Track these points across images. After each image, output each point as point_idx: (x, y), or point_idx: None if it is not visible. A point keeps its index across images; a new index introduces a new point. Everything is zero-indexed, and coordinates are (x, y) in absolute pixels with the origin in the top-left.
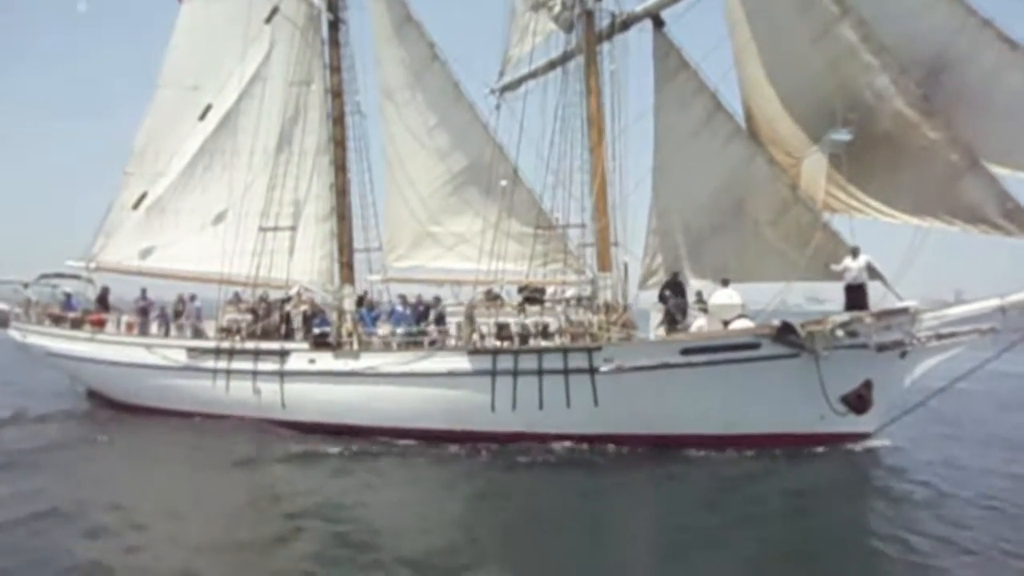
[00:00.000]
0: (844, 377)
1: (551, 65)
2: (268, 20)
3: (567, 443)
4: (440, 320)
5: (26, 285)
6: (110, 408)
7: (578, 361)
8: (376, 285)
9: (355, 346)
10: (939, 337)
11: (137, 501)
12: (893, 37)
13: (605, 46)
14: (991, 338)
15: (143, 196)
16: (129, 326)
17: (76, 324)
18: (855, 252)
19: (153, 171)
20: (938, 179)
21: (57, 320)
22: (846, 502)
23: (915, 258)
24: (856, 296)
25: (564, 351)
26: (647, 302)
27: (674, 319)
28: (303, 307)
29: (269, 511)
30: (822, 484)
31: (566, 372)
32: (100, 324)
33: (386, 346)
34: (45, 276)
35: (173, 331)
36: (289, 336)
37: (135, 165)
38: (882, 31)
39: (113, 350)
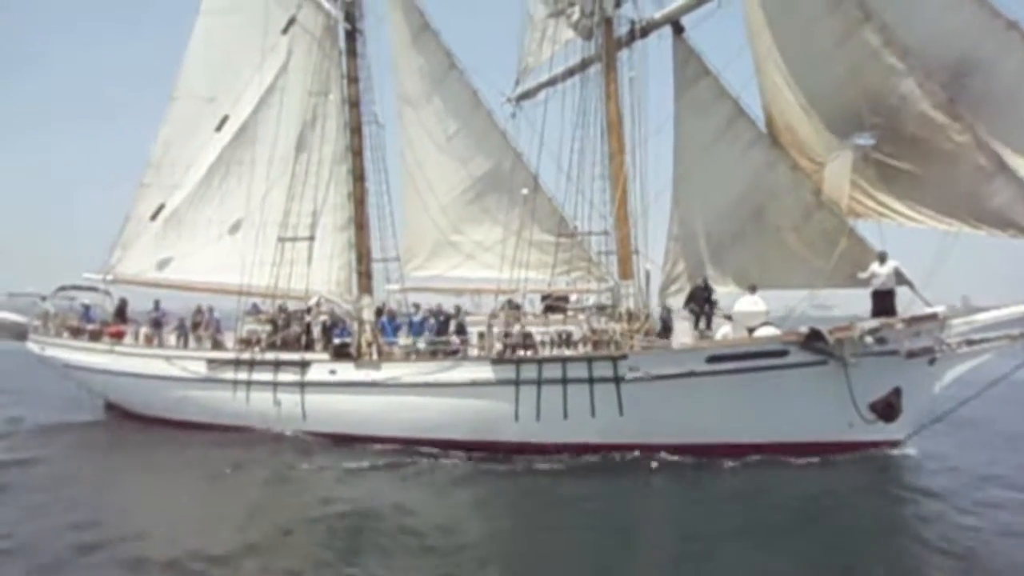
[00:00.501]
0: (873, 384)
1: (569, 73)
2: (285, 31)
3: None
4: (461, 330)
5: (44, 298)
6: (128, 420)
7: (603, 370)
8: (394, 295)
9: (375, 356)
10: (969, 343)
11: (155, 514)
12: (917, 40)
13: (624, 53)
14: (1022, 344)
15: (161, 207)
16: (148, 338)
17: (95, 336)
18: (882, 257)
19: (170, 182)
20: (965, 183)
21: (75, 332)
22: (874, 512)
23: (943, 263)
24: (884, 302)
25: (589, 360)
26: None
27: (706, 321)
28: (322, 317)
29: (294, 522)
30: (850, 493)
31: (591, 381)
32: (119, 336)
33: (407, 356)
34: (63, 288)
35: (192, 342)
36: (309, 347)
37: (152, 176)
38: (906, 35)
39: (132, 362)
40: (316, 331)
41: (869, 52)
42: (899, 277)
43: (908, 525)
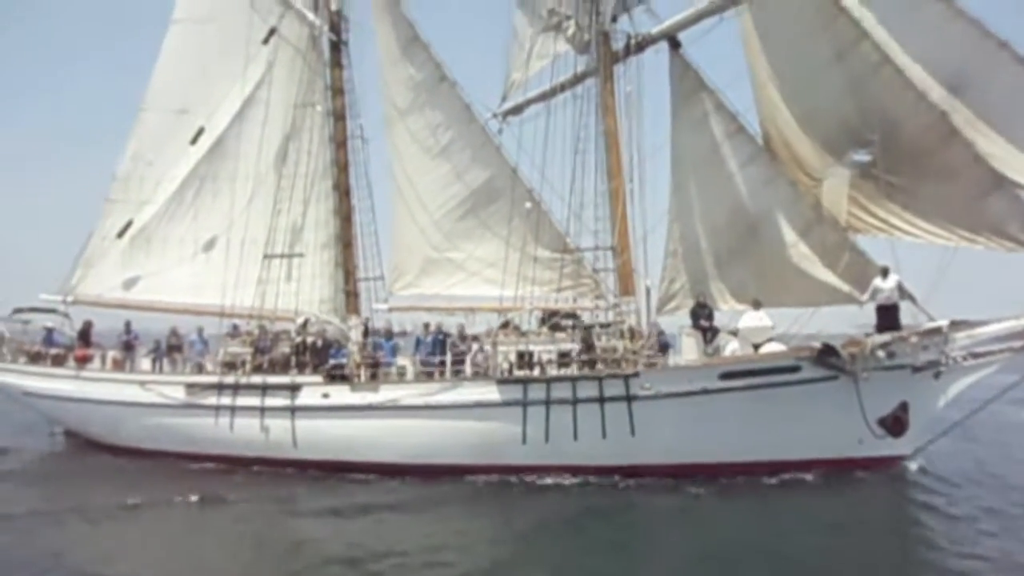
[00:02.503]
0: (881, 399)
1: (560, 88)
2: (266, 41)
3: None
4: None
5: None
6: (94, 451)
7: (614, 389)
8: (381, 314)
9: (361, 378)
10: (973, 356)
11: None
12: (911, 58)
13: (620, 68)
14: None
15: (128, 224)
16: (116, 362)
17: (58, 361)
18: (885, 272)
19: (138, 198)
20: (962, 197)
21: (35, 357)
22: (887, 529)
23: (944, 277)
24: (889, 317)
25: (599, 379)
26: (666, 327)
27: (712, 339)
28: (309, 338)
29: (283, 564)
30: (864, 511)
31: (601, 400)
32: (85, 360)
33: (401, 377)
34: (18, 311)
35: (167, 366)
36: (300, 369)
37: (119, 192)
38: (900, 52)
39: (101, 388)
40: (307, 353)
41: (866, 68)
42: (902, 291)
43: (923, 542)
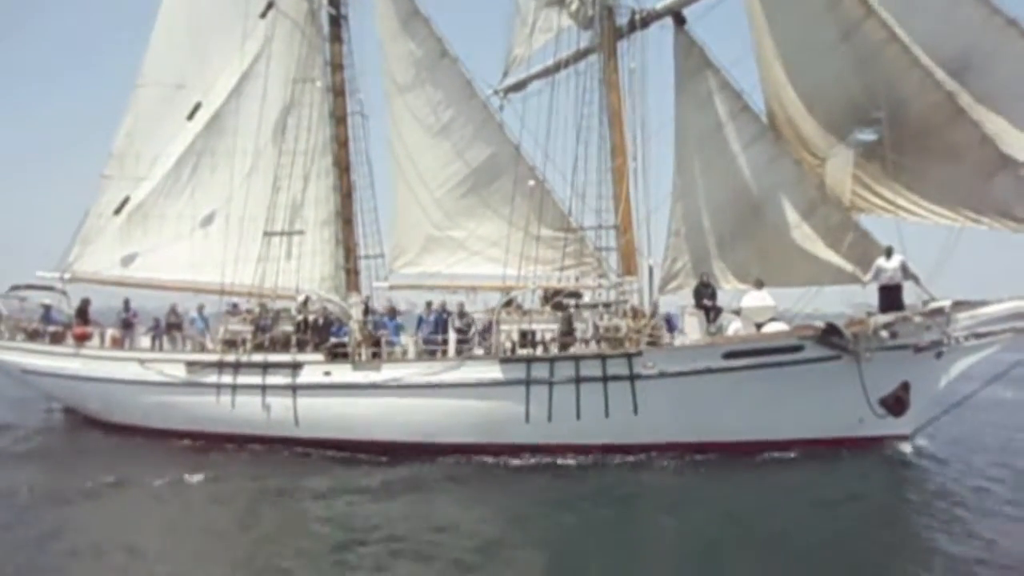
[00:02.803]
0: (883, 379)
1: (563, 64)
2: (263, 15)
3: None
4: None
5: None
6: (92, 427)
7: (617, 368)
8: (381, 292)
9: (362, 357)
10: (975, 336)
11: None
12: (918, 36)
13: (624, 44)
14: None
15: (125, 200)
16: (115, 340)
17: (56, 339)
18: (889, 252)
19: (135, 174)
20: (967, 177)
21: (33, 335)
22: (885, 508)
23: (949, 257)
24: (892, 297)
25: (603, 358)
26: (668, 306)
27: (715, 318)
28: (312, 316)
29: (290, 540)
30: (863, 490)
31: (604, 379)
32: (84, 338)
33: (403, 355)
34: (15, 288)
35: (166, 344)
36: (301, 347)
37: (114, 168)
38: (906, 30)
39: (100, 366)
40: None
41: (873, 47)
42: (905, 272)
43: (915, 519)
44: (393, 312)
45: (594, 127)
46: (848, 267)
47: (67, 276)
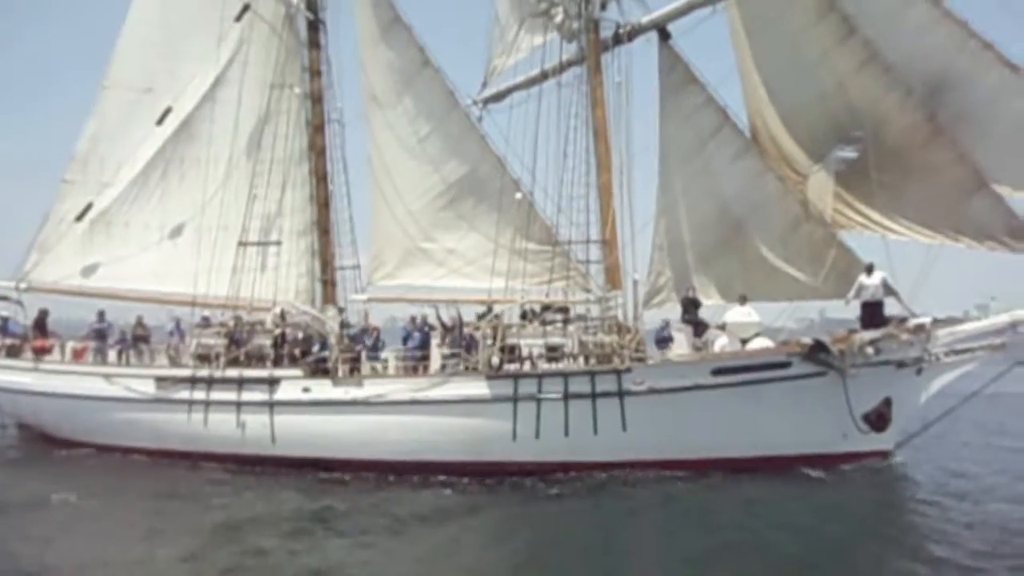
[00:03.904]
0: (866, 395)
1: (545, 75)
2: (238, 18)
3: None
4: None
5: None
6: (50, 445)
7: (606, 384)
8: (357, 305)
9: (340, 373)
10: (954, 353)
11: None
12: (897, 57)
13: (608, 57)
14: (1004, 353)
15: (88, 207)
16: (76, 353)
17: (13, 352)
18: (870, 269)
19: (98, 180)
20: (945, 196)
21: None
22: (870, 522)
23: (928, 274)
24: (873, 314)
25: (591, 374)
26: (652, 322)
27: (701, 333)
28: (288, 330)
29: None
30: (848, 505)
31: (593, 396)
32: (44, 351)
33: (384, 371)
34: None
35: (133, 358)
36: (277, 362)
37: (76, 173)
38: (886, 51)
39: (62, 381)
40: (286, 346)
41: (854, 66)
42: (887, 289)
43: (906, 535)
44: (371, 330)
45: (579, 141)
46: (830, 283)
47: (23, 285)
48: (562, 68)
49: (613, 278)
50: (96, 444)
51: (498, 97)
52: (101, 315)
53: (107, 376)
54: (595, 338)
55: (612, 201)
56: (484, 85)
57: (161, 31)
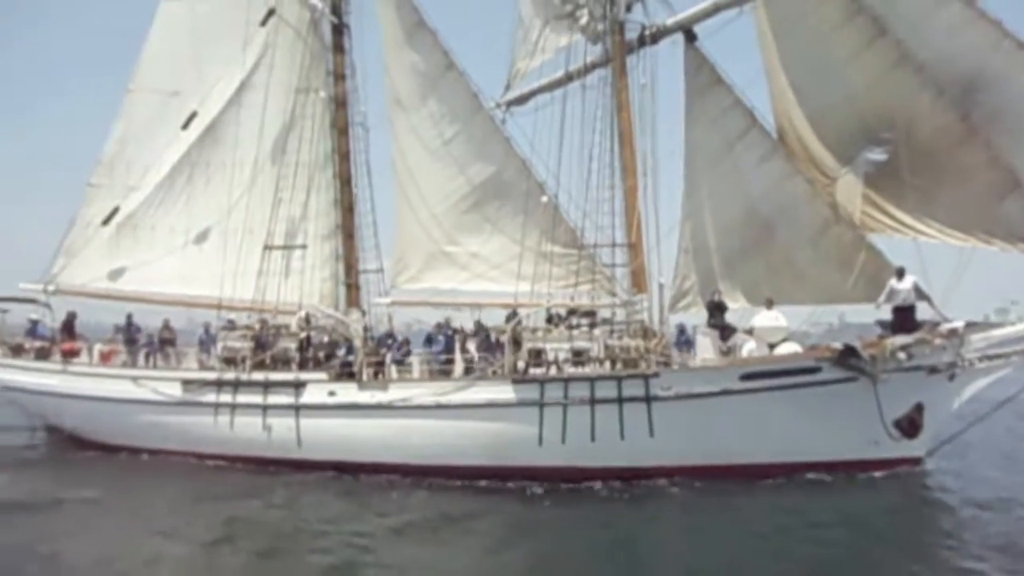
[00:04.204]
0: (897, 401)
1: (569, 77)
2: (263, 23)
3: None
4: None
5: None
6: (78, 447)
7: (633, 389)
8: (381, 308)
9: (364, 376)
10: (987, 358)
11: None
12: (929, 57)
13: (633, 59)
14: None
15: (115, 211)
16: (104, 356)
17: (42, 354)
18: (901, 273)
19: (125, 184)
20: (978, 198)
21: (16, 350)
22: (905, 530)
23: (961, 278)
24: (905, 318)
25: (618, 379)
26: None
27: (728, 337)
28: (313, 333)
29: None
30: (879, 513)
31: (620, 401)
32: (72, 354)
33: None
34: None
35: (160, 361)
36: (303, 365)
37: (103, 176)
38: (917, 51)
39: (91, 383)
40: (310, 349)
41: (884, 66)
42: (918, 293)
43: (936, 545)
44: (391, 334)
45: (604, 144)
46: (860, 286)
47: (51, 288)
48: (587, 70)
49: (639, 282)
50: (123, 446)
51: (522, 100)
52: (129, 318)
53: (134, 379)
54: (621, 342)
55: (637, 204)
56: (507, 88)
57: (188, 36)
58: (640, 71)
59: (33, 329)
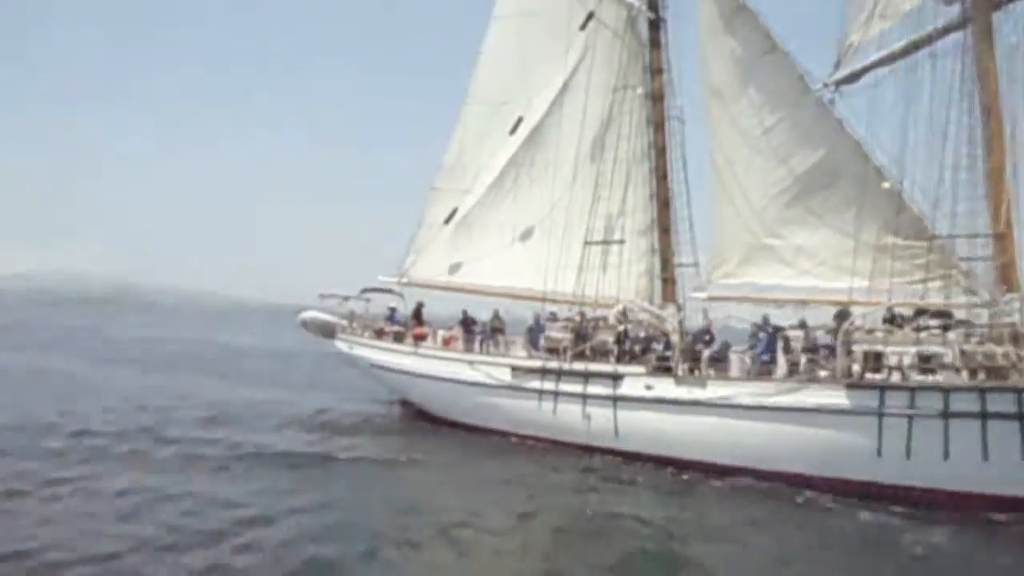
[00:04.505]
0: None
1: (914, 46)
2: (583, 27)
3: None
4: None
5: (346, 299)
6: (424, 420)
7: (1002, 404)
8: (697, 303)
9: (679, 371)
10: None
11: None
12: None
13: (999, 16)
14: None
15: (453, 211)
16: (445, 341)
17: (398, 338)
18: None
19: (461, 187)
20: None
21: (379, 333)
22: None
23: None
24: None
25: (981, 390)
26: None
27: None
28: (630, 327)
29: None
30: None
31: (984, 416)
32: (422, 338)
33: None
34: (365, 291)
35: (492, 348)
36: (620, 358)
37: (444, 181)
38: None
39: (435, 365)
40: (627, 342)
41: None
42: None
43: None
44: (709, 333)
45: (962, 119)
46: None
47: (404, 281)
48: (939, 34)
49: (1008, 278)
50: (460, 423)
51: (853, 77)
52: (465, 312)
53: (471, 363)
54: (984, 348)
55: (1006, 187)
56: (837, 65)
57: (515, 50)
58: (1009, 29)
59: (391, 316)
